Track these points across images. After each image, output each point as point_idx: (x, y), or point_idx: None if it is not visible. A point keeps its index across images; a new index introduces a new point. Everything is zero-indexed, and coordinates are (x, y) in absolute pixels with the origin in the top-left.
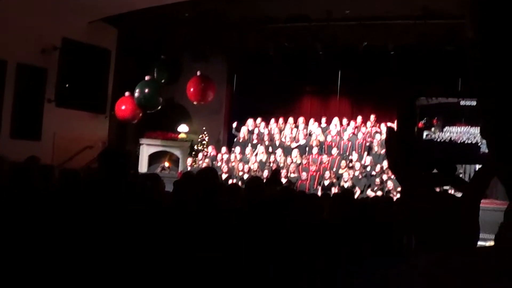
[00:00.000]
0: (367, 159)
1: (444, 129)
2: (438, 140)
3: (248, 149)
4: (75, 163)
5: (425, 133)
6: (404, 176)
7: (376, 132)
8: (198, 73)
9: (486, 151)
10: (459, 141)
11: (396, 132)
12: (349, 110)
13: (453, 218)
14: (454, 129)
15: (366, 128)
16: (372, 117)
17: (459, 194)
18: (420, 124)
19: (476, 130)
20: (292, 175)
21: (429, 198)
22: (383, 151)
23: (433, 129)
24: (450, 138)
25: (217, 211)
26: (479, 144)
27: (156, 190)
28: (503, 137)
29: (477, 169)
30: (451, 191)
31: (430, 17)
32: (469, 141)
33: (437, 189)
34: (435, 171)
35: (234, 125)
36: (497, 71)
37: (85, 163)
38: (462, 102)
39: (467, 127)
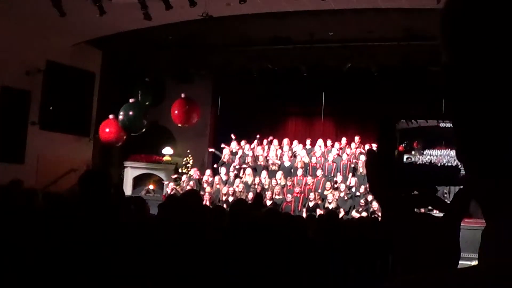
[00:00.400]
0: (352, 180)
1: (424, 152)
2: (419, 162)
3: (232, 172)
4: (59, 186)
5: (405, 157)
6: (385, 198)
7: (361, 153)
8: (183, 95)
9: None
10: (439, 164)
11: (376, 154)
12: (334, 131)
13: (434, 239)
14: (435, 152)
15: (351, 149)
16: (357, 138)
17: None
18: (401, 147)
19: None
20: (277, 197)
21: (409, 219)
22: None
23: (413, 152)
24: (431, 161)
25: (202, 233)
26: (459, 166)
27: (141, 213)
28: (477, 159)
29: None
30: (433, 213)
31: (413, 38)
32: (449, 164)
33: (419, 211)
34: (415, 192)
35: (212, 150)
36: (470, 94)
37: (69, 186)
38: (442, 124)
39: (447, 150)
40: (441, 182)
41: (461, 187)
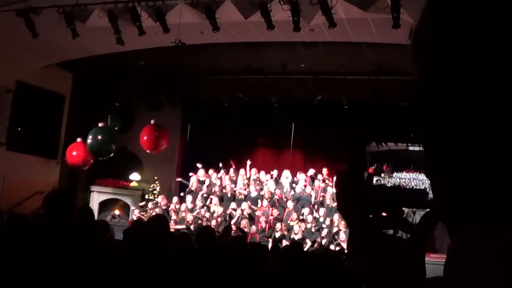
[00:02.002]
0: (321, 211)
1: (394, 175)
2: (388, 185)
3: (199, 200)
4: (24, 208)
5: (375, 179)
6: (353, 219)
7: (328, 185)
8: (152, 121)
9: None
10: (408, 187)
11: (346, 175)
12: (302, 163)
13: (400, 260)
14: (403, 175)
15: (319, 181)
16: (325, 170)
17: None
18: (371, 169)
19: (423, 176)
20: (243, 227)
21: (377, 240)
22: (335, 204)
23: (383, 175)
24: (400, 184)
25: (167, 258)
26: (427, 189)
27: (104, 236)
28: (444, 179)
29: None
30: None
31: (384, 73)
32: (418, 187)
33: (387, 232)
34: (383, 214)
35: (179, 179)
36: (440, 111)
37: (34, 208)
38: (411, 148)
39: (415, 173)
40: (409, 205)
41: (428, 210)
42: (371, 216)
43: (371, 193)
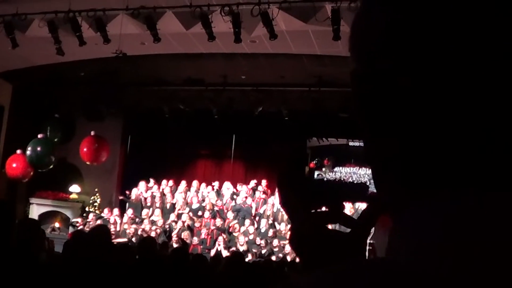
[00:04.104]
0: (262, 222)
1: (335, 169)
2: (329, 179)
3: (140, 212)
4: None
5: (316, 173)
6: (295, 214)
7: (270, 196)
8: (92, 133)
9: (374, 190)
10: (349, 181)
11: (287, 170)
12: (243, 174)
13: (342, 255)
14: (344, 169)
15: (260, 192)
16: (264, 182)
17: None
18: (312, 164)
19: (364, 171)
20: (185, 239)
21: (319, 235)
22: (281, 214)
23: (324, 169)
24: (340, 178)
25: (108, 270)
26: (367, 183)
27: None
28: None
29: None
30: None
31: (324, 84)
32: (359, 181)
33: (329, 227)
34: (324, 209)
35: (121, 197)
36: (381, 101)
37: None
38: (351, 143)
39: (356, 167)
40: (350, 198)
41: (369, 203)
42: (312, 211)
43: (312, 187)
